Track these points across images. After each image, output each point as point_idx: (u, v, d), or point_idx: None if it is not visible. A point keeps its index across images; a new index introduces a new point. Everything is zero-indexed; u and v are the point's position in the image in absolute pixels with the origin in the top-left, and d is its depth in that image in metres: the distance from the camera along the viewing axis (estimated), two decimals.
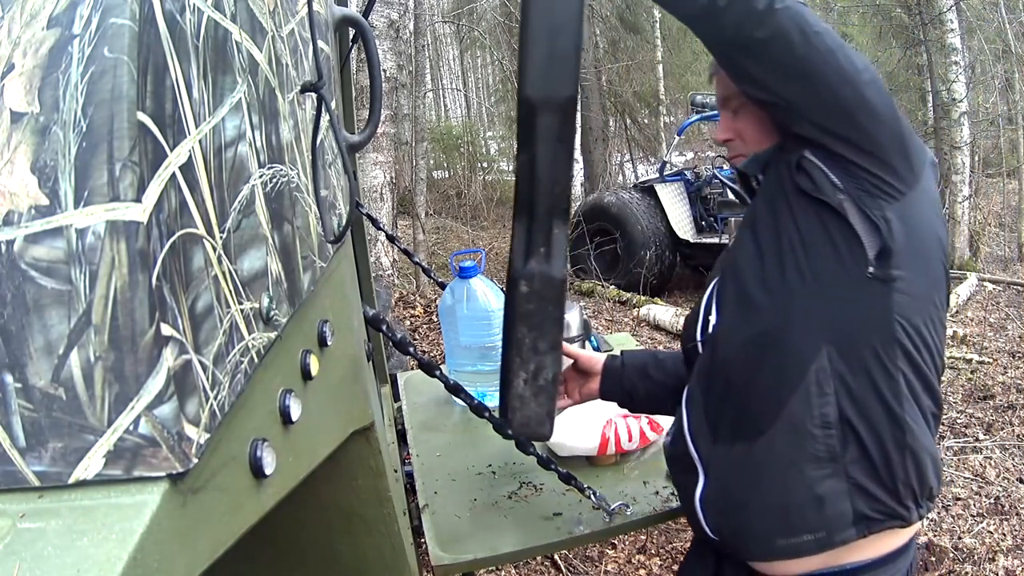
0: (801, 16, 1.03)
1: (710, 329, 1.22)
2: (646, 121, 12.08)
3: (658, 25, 11.48)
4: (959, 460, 3.52)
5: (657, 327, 5.49)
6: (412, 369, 3.12)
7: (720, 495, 1.17)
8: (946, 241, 1.16)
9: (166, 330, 0.53)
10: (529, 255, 1.18)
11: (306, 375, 0.82)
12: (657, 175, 7.34)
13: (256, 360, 0.69)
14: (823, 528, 1.08)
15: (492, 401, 1.83)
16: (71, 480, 0.52)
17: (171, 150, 0.55)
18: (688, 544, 2.82)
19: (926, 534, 2.91)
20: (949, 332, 5.05)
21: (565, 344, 1.43)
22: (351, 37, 1.53)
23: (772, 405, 1.10)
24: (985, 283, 6.64)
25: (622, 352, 1.47)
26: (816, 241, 1.09)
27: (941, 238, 1.14)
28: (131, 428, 0.52)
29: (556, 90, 1.15)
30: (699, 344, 1.25)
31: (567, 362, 1.45)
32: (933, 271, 1.12)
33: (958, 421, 3.89)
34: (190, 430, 0.55)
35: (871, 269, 1.07)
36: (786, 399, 1.08)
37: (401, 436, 1.89)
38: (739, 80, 1.14)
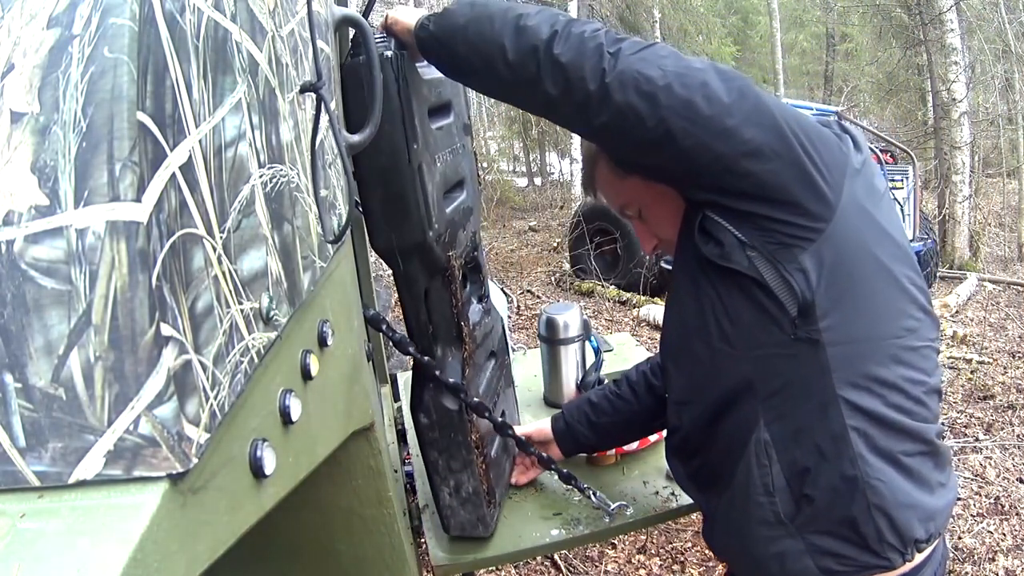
0: (640, 75, 0.90)
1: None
2: None
3: (658, 25, 11.48)
4: (959, 460, 3.51)
5: (657, 327, 5.49)
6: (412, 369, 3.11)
7: (712, 533, 1.22)
8: (899, 239, 1.01)
9: (166, 330, 0.53)
10: (423, 389, 1.26)
11: (306, 375, 0.82)
12: None
13: (256, 360, 0.68)
14: None
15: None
16: (71, 480, 0.52)
17: (171, 150, 0.55)
18: (687, 544, 2.83)
19: None
20: (949, 332, 5.05)
21: (515, 428, 1.54)
22: (351, 37, 1.53)
23: (726, 470, 1.10)
24: (985, 283, 6.64)
25: (561, 411, 1.53)
26: (738, 309, 1.01)
27: (882, 254, 0.98)
28: (131, 428, 0.52)
29: (402, 237, 1.18)
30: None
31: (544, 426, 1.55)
32: (880, 297, 0.99)
33: (958, 421, 3.89)
34: (190, 430, 0.55)
35: (796, 331, 0.96)
36: (734, 467, 1.08)
37: (401, 436, 1.89)
38: (616, 162, 1.10)
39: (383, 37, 1.15)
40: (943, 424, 3.49)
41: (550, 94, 0.95)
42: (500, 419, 1.40)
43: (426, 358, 1.28)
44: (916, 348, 1.01)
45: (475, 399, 1.31)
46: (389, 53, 1.11)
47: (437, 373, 1.27)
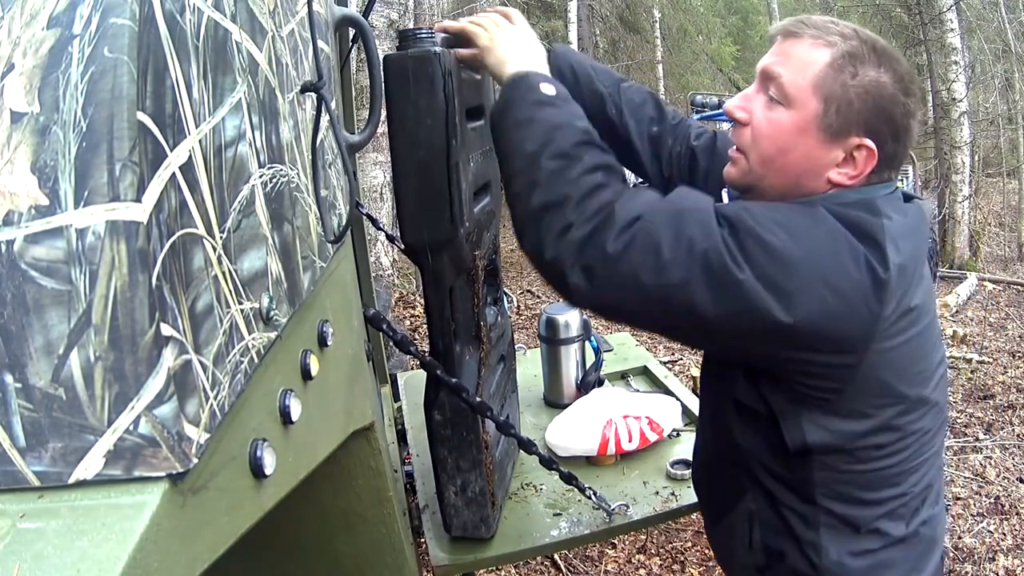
0: (641, 265, 0.85)
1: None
2: None
3: (658, 25, 11.48)
4: (959, 460, 3.51)
5: None
6: (412, 369, 3.11)
7: (711, 543, 1.25)
8: (926, 380, 0.96)
9: (166, 330, 0.53)
10: (438, 387, 1.26)
11: (306, 375, 0.82)
12: None
13: (256, 360, 0.68)
14: None
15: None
16: (71, 480, 0.52)
17: (171, 150, 0.55)
18: (687, 544, 2.82)
19: None
20: (949, 332, 5.05)
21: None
22: (351, 37, 1.53)
23: (722, 511, 1.12)
24: (985, 283, 6.64)
25: (562, 49, 1.34)
26: (743, 413, 1.00)
27: (893, 416, 0.93)
28: (131, 428, 0.52)
29: (434, 232, 1.18)
30: None
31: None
32: (873, 465, 0.96)
33: (958, 421, 3.89)
34: (190, 430, 0.55)
35: (787, 452, 0.95)
36: (727, 513, 1.10)
37: (401, 436, 1.89)
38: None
39: (430, 33, 1.15)
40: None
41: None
42: (503, 420, 1.41)
43: (429, 356, 1.29)
44: (913, 466, 0.98)
45: (478, 399, 1.31)
46: (438, 49, 1.12)
47: (439, 372, 1.27)
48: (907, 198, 0.98)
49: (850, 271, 0.85)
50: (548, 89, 0.99)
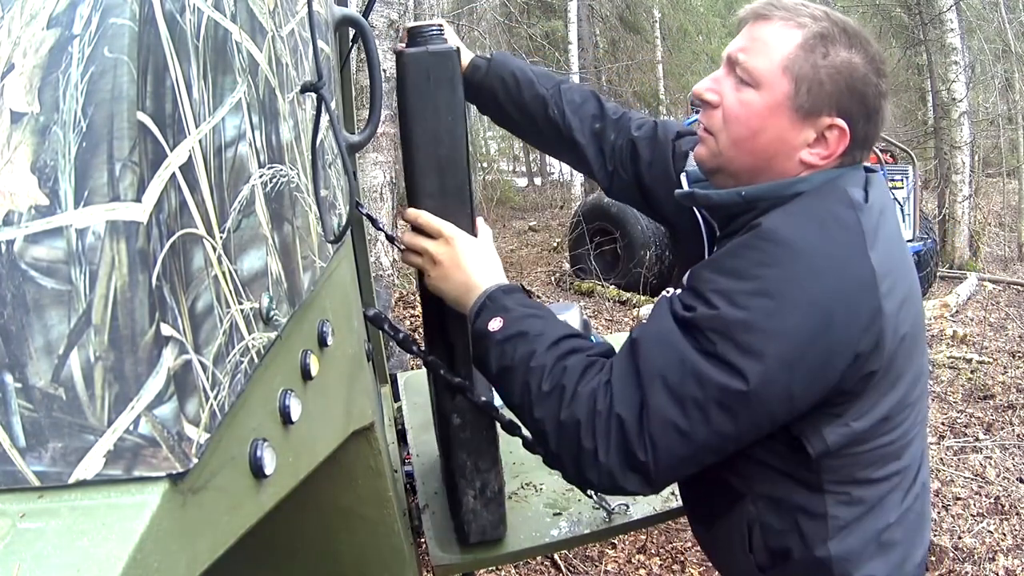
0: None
1: None
2: None
3: (658, 25, 11.48)
4: (959, 460, 3.52)
5: None
6: (412, 369, 3.12)
7: (700, 543, 1.22)
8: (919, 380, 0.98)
9: (166, 330, 0.53)
10: (453, 392, 1.25)
11: (306, 375, 0.82)
12: None
13: (256, 360, 0.68)
14: None
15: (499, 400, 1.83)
16: (71, 480, 0.52)
17: (171, 150, 0.55)
18: (687, 544, 2.82)
19: None
20: (949, 332, 5.05)
21: None
22: (351, 37, 1.53)
23: (714, 513, 1.08)
24: (985, 283, 6.64)
25: (495, 55, 1.36)
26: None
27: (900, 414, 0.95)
28: (131, 428, 0.52)
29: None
30: None
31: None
32: (882, 448, 0.96)
33: (958, 421, 3.89)
34: (190, 430, 0.55)
35: (794, 454, 0.94)
36: (720, 516, 1.06)
37: (401, 436, 1.89)
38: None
39: (439, 30, 1.15)
40: (943, 425, 3.40)
41: None
42: (508, 419, 1.40)
43: (431, 357, 1.28)
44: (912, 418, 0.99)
45: (483, 398, 1.30)
46: (456, 46, 1.13)
47: (442, 372, 1.26)
48: (867, 170, 1.00)
49: (852, 313, 0.86)
50: (495, 324, 0.99)
